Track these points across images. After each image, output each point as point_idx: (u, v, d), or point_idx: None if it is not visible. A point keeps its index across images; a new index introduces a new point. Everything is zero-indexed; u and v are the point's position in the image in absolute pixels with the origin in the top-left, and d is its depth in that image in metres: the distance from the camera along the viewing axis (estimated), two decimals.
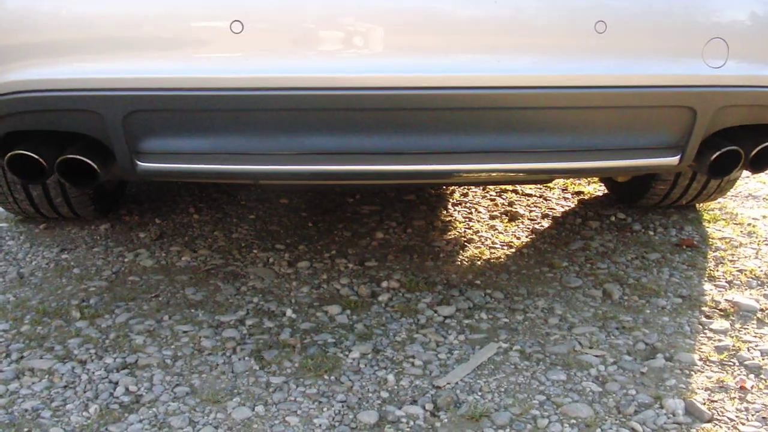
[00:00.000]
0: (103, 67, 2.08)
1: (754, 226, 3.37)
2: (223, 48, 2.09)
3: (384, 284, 2.78)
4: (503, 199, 3.68)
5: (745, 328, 2.52)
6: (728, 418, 2.07)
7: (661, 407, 2.10)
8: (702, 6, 2.23)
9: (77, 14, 2.08)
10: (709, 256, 3.06)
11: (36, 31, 2.09)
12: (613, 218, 3.44)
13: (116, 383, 2.18)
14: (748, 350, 2.39)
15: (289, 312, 2.58)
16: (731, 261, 3.02)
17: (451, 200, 3.65)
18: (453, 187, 3.79)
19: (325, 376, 2.22)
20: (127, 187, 3.71)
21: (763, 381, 2.24)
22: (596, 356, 2.34)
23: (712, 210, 3.55)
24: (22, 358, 2.31)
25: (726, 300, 2.69)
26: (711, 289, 2.78)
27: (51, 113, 2.17)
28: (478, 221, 3.40)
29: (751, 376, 2.26)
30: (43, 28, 2.09)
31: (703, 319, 2.57)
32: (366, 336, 2.44)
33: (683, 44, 2.23)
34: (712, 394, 2.17)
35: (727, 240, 3.21)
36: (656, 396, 2.15)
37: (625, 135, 2.35)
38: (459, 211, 3.51)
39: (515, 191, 3.78)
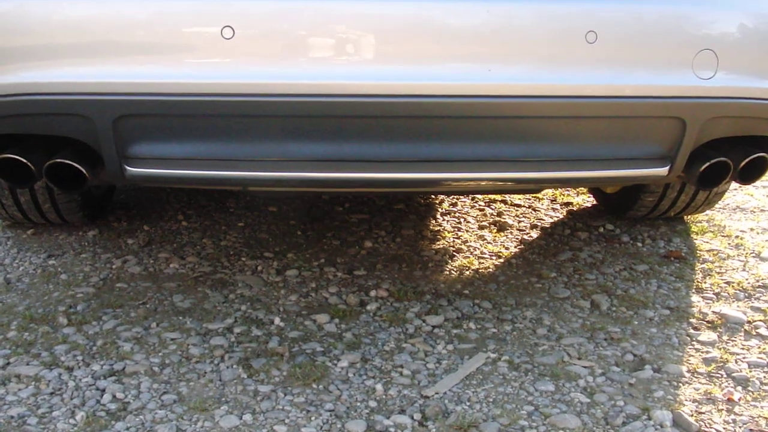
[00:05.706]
0: (93, 71, 2.08)
1: (741, 239, 3.38)
2: (214, 53, 2.09)
3: (372, 293, 2.77)
4: (492, 209, 3.68)
5: (732, 340, 2.52)
6: (716, 430, 2.07)
7: (649, 418, 2.10)
8: (692, 17, 2.24)
9: (68, 18, 2.07)
10: (696, 268, 3.07)
11: (27, 35, 2.08)
12: (601, 229, 3.44)
13: (103, 390, 2.17)
14: (736, 362, 2.39)
15: (277, 320, 2.57)
16: (719, 273, 3.02)
17: (440, 210, 3.65)
18: (442, 197, 3.79)
19: (314, 385, 2.21)
20: (116, 193, 3.70)
21: (751, 393, 2.24)
22: (584, 367, 2.33)
23: (700, 222, 3.56)
24: (8, 364, 2.29)
25: (713, 312, 2.69)
26: (699, 301, 2.78)
27: (41, 117, 2.16)
28: (467, 231, 3.40)
29: (739, 388, 2.26)
30: (34, 32, 2.08)
31: (691, 330, 2.58)
32: (354, 345, 2.43)
33: (673, 55, 2.24)
34: (700, 406, 2.17)
35: (715, 252, 3.22)
36: (644, 407, 2.15)
37: (615, 145, 2.36)
38: (448, 221, 3.51)
39: (504, 201, 3.79)
